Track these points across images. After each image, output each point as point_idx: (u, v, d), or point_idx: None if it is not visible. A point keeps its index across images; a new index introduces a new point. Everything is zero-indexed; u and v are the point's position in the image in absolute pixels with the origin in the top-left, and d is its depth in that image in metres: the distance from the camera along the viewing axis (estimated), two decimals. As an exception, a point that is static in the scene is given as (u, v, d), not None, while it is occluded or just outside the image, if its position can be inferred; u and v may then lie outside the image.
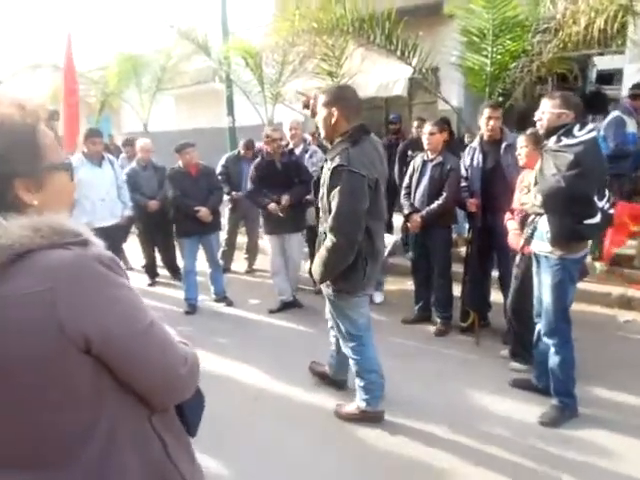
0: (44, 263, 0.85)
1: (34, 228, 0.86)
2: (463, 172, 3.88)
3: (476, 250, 3.82)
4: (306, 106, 5.78)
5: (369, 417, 2.84)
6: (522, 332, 3.23)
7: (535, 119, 2.71)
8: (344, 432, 2.80)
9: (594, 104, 6.56)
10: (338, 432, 2.81)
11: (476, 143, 3.84)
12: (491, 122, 3.66)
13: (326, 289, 2.68)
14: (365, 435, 2.76)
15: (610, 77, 8.77)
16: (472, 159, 3.78)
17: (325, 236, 2.51)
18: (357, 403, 2.87)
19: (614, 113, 5.17)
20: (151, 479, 0.97)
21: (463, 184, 3.87)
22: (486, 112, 3.69)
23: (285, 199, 4.32)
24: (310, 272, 2.81)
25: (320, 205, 2.61)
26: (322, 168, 2.60)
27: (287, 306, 4.71)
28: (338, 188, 2.36)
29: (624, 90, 6.43)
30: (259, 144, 5.99)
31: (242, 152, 5.70)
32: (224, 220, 5.48)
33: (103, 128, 6.75)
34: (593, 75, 8.92)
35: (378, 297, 4.89)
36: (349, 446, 2.68)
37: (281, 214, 4.33)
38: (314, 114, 2.85)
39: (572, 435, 2.67)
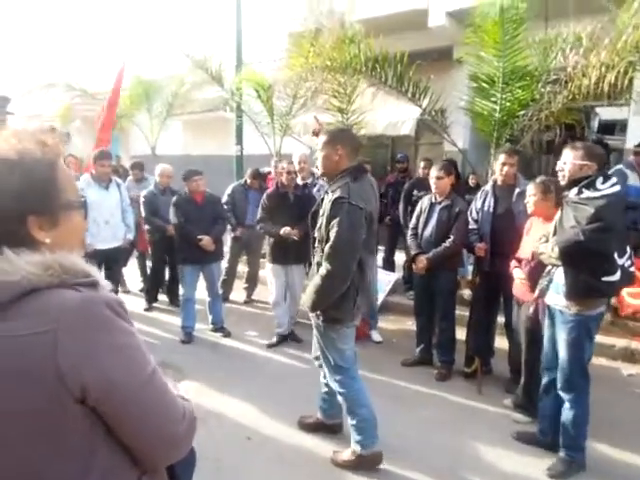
0: (50, 303, 0.81)
1: (45, 266, 0.83)
2: (474, 215, 3.86)
3: (482, 295, 3.77)
4: (316, 134, 5.84)
5: (366, 461, 2.74)
6: (531, 384, 3.15)
7: (557, 169, 2.70)
8: (342, 476, 2.69)
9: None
10: (332, 476, 2.69)
11: (489, 187, 3.84)
12: (505, 168, 3.67)
13: (316, 320, 2.67)
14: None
15: (612, 127, 8.94)
16: (484, 202, 3.78)
17: (319, 266, 2.56)
18: (352, 447, 2.78)
19: (617, 167, 5.23)
20: None
21: (473, 226, 3.85)
22: (501, 158, 3.71)
23: (297, 230, 4.30)
24: None
25: (317, 235, 2.66)
26: (322, 200, 2.67)
27: (284, 339, 4.65)
28: (338, 219, 2.44)
29: (628, 142, 6.54)
30: (265, 170, 6.07)
31: (249, 181, 5.70)
32: (226, 248, 5.44)
33: (112, 149, 6.81)
34: (595, 125, 9.10)
35: (377, 336, 4.82)
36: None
37: (296, 238, 4.29)
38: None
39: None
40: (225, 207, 5.25)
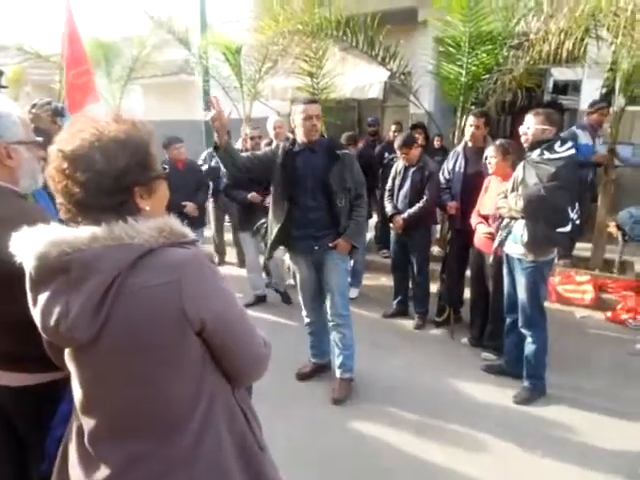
0: (169, 259, 1.01)
1: (159, 229, 1.01)
2: (446, 175, 4.14)
3: (454, 250, 4.11)
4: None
5: (352, 385, 3.26)
6: (499, 326, 3.54)
7: (520, 133, 3.01)
8: (335, 415, 3.02)
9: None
10: (327, 414, 3.03)
11: (460, 148, 4.11)
12: (472, 129, 3.94)
13: (345, 259, 3.18)
14: (353, 418, 3.00)
15: (566, 87, 9.35)
16: (455, 163, 4.05)
17: (348, 210, 3.08)
18: (346, 376, 3.22)
19: (570, 129, 5.61)
20: (236, 446, 1.14)
21: (444, 186, 4.14)
22: (469, 120, 3.97)
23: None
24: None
25: (342, 187, 3.03)
26: (334, 158, 3.01)
27: (260, 300, 4.92)
28: (356, 168, 3.10)
29: (582, 103, 6.95)
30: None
31: None
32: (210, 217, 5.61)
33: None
34: (550, 85, 9.50)
35: (353, 292, 5.13)
36: (340, 430, 2.90)
37: (263, 203, 4.38)
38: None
39: (542, 412, 3.04)
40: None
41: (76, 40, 5.64)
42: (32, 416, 1.42)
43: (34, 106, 2.95)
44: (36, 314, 1.02)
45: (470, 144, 4.00)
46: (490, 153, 3.48)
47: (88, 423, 1.07)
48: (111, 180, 1.00)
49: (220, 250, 6.22)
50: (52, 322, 0.98)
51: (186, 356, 1.05)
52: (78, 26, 5.42)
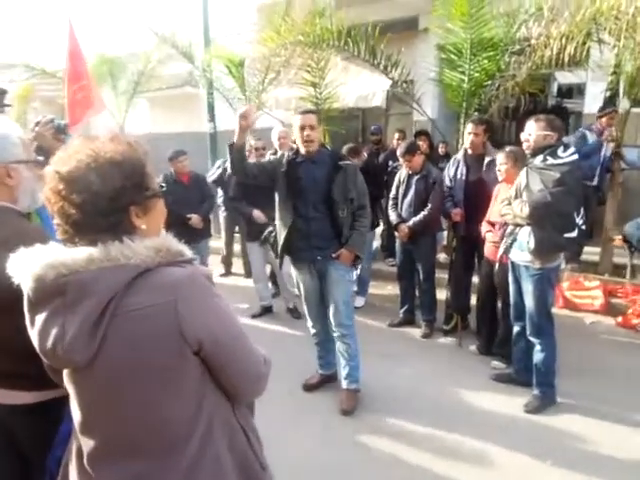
0: (165, 279, 1.00)
1: (156, 249, 1.01)
2: (447, 182, 4.13)
3: (460, 257, 4.08)
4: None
5: (359, 395, 3.22)
6: (507, 335, 3.50)
7: (522, 139, 2.99)
8: (343, 427, 2.99)
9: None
10: (334, 426, 3.00)
11: (460, 155, 4.10)
12: (471, 137, 3.93)
13: (348, 270, 3.12)
14: (360, 428, 2.96)
15: (570, 91, 9.33)
16: (456, 170, 4.04)
17: (350, 221, 3.06)
18: (352, 387, 3.19)
19: (579, 130, 5.60)
20: (237, 465, 1.13)
21: (447, 194, 4.12)
22: (468, 127, 3.96)
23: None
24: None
25: (338, 198, 3.01)
26: (332, 169, 3.01)
27: (267, 310, 4.92)
28: (360, 180, 3.09)
29: (586, 106, 6.91)
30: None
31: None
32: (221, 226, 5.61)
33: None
34: (554, 89, 9.47)
35: (359, 301, 5.11)
36: (349, 439, 2.87)
37: (265, 220, 4.41)
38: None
39: (552, 421, 2.98)
40: (214, 184, 5.34)
41: (77, 56, 5.73)
42: (35, 434, 1.42)
43: (37, 124, 2.99)
44: (34, 336, 1.02)
45: (470, 151, 3.99)
46: (500, 160, 3.44)
47: (87, 444, 1.07)
48: (107, 201, 1.00)
49: (227, 261, 6.24)
50: (49, 344, 0.98)
51: (184, 377, 1.04)
52: (80, 43, 5.51)
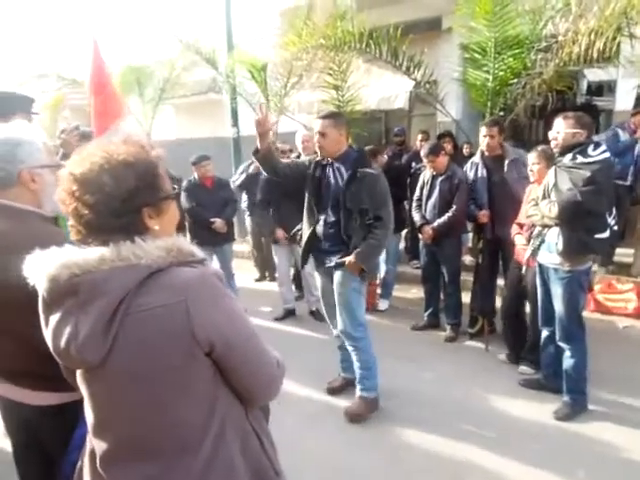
0: (177, 279, 1.00)
1: (167, 249, 1.01)
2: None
3: (485, 259, 3.99)
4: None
5: (374, 404, 3.12)
6: (537, 340, 3.38)
7: (550, 138, 2.90)
8: (368, 430, 2.95)
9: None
10: (358, 430, 2.96)
11: (477, 158, 4.02)
12: (486, 139, 3.85)
13: (354, 280, 2.97)
14: (384, 432, 2.92)
15: (600, 88, 9.05)
16: (476, 173, 3.96)
17: (362, 232, 2.90)
18: (362, 395, 3.10)
19: (611, 127, 5.45)
20: (250, 470, 1.12)
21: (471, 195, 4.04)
22: (482, 130, 3.88)
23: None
24: None
25: (352, 207, 2.90)
26: (352, 176, 2.88)
27: (290, 313, 4.91)
28: (377, 190, 2.90)
29: (617, 103, 6.70)
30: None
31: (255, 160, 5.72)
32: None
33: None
34: (584, 86, 9.22)
35: (383, 305, 5.06)
36: (374, 446, 2.83)
37: (285, 241, 4.57)
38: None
39: (583, 429, 2.88)
40: (240, 188, 5.38)
41: (101, 70, 5.93)
42: (58, 434, 1.44)
43: (63, 132, 3.06)
44: (48, 335, 1.03)
45: (487, 153, 3.92)
46: (533, 160, 3.33)
47: (100, 446, 1.07)
48: (120, 202, 1.01)
49: (260, 264, 6.20)
50: (63, 344, 0.99)
51: (196, 378, 1.03)
52: (103, 58, 5.69)
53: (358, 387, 3.13)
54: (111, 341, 0.97)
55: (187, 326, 0.98)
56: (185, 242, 1.06)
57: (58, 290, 0.99)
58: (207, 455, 1.04)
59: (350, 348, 3.09)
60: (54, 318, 1.01)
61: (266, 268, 6.22)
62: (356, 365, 3.11)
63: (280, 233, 4.56)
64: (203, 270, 1.05)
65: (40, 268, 1.01)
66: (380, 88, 7.45)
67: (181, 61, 9.01)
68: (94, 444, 1.09)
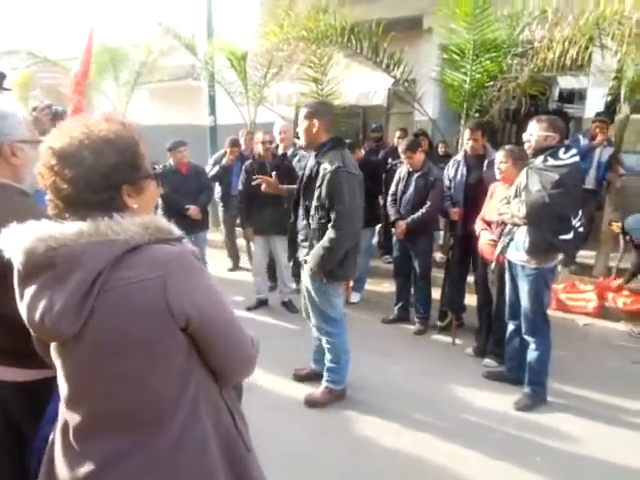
0: (154, 255, 1.02)
1: (144, 226, 1.02)
2: (447, 182, 4.15)
3: (456, 256, 4.10)
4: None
5: (338, 396, 3.17)
6: (502, 333, 3.50)
7: (524, 140, 3.01)
8: (335, 420, 3.01)
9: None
10: (329, 420, 3.01)
11: (460, 156, 4.12)
12: (470, 142, 3.95)
13: (314, 282, 2.93)
14: (349, 420, 2.99)
15: (572, 96, 9.36)
16: (456, 171, 4.06)
17: (318, 232, 2.80)
18: (327, 386, 3.15)
19: (575, 135, 5.64)
20: (222, 445, 1.14)
21: (446, 193, 4.15)
22: (466, 134, 3.98)
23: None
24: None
25: (315, 203, 2.81)
26: (314, 170, 2.83)
27: (262, 303, 4.93)
28: (339, 187, 2.67)
29: (586, 111, 6.95)
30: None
31: (228, 151, 5.66)
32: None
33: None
34: (556, 93, 9.51)
35: (355, 297, 5.13)
36: (340, 435, 2.89)
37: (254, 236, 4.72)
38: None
39: (542, 420, 3.01)
40: (213, 177, 5.35)
41: (89, 57, 5.90)
42: (31, 410, 1.43)
43: (34, 109, 2.99)
44: (22, 309, 1.03)
45: (469, 152, 4.02)
46: (500, 159, 3.44)
47: (73, 419, 1.08)
48: (99, 177, 1.01)
49: (233, 255, 6.21)
50: (37, 317, 0.99)
51: (171, 352, 1.05)
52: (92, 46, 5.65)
53: (325, 376, 3.17)
54: (87, 314, 0.97)
55: (164, 300, 1.00)
56: (163, 220, 1.08)
57: (34, 263, 0.99)
58: (180, 429, 1.06)
59: (323, 340, 3.13)
60: (29, 291, 1.01)
61: (238, 258, 6.23)
62: (327, 357, 3.15)
63: (249, 232, 4.67)
64: (181, 247, 1.06)
65: (16, 241, 1.00)
66: (359, 84, 7.50)
67: (159, 45, 8.84)
68: (67, 417, 1.09)
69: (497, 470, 2.57)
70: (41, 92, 12.56)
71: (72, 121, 1.07)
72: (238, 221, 5.86)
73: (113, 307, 0.99)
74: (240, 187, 4.67)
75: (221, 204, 5.85)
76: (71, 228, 0.99)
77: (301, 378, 3.45)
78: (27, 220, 1.06)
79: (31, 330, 1.05)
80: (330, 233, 2.74)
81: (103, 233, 0.98)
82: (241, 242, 6.01)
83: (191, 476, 1.08)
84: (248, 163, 4.70)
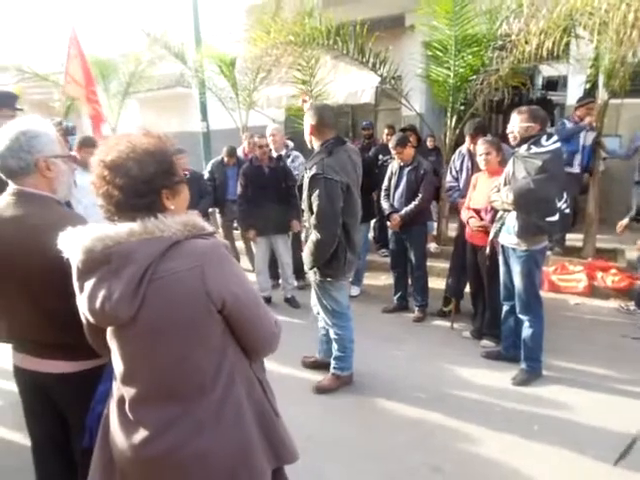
0: (193, 248, 1.20)
1: (184, 224, 1.20)
2: (454, 173, 4.37)
3: (460, 245, 4.24)
4: (304, 101, 6.18)
5: (344, 382, 3.35)
6: (496, 315, 3.69)
7: (507, 132, 3.19)
8: (342, 403, 3.18)
9: (541, 110, 7.27)
10: (337, 404, 3.18)
11: (465, 149, 4.29)
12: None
13: (314, 276, 3.13)
14: (356, 403, 3.18)
15: (555, 83, 9.58)
16: (462, 164, 4.27)
17: (309, 231, 3.00)
18: (334, 372, 3.33)
19: (561, 120, 5.83)
20: (255, 411, 1.33)
21: (453, 184, 4.39)
22: (480, 149, 3.73)
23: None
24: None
25: (303, 206, 3.07)
26: (304, 175, 3.04)
27: (266, 301, 5.04)
28: (317, 192, 2.82)
29: (568, 97, 7.16)
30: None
31: (226, 159, 5.83)
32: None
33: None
34: (540, 82, 9.73)
35: (355, 291, 5.29)
36: (348, 416, 3.06)
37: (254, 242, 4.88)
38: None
39: (538, 392, 3.21)
40: (208, 183, 5.50)
41: (85, 60, 6.05)
42: (74, 398, 1.59)
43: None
44: (83, 300, 1.20)
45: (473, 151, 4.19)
46: (484, 150, 3.61)
47: (129, 392, 1.25)
48: (143, 184, 1.20)
49: (234, 257, 6.34)
50: (98, 305, 1.16)
51: (210, 331, 1.23)
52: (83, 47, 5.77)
53: (332, 363, 3.35)
54: (140, 300, 1.15)
55: (203, 286, 1.18)
56: (198, 218, 1.25)
57: (93, 260, 1.16)
58: (220, 396, 1.24)
59: (330, 332, 3.30)
60: (89, 284, 1.18)
61: (238, 259, 6.35)
62: (334, 346, 3.32)
63: (251, 234, 4.85)
64: (214, 241, 1.24)
65: (76, 242, 1.18)
66: (347, 83, 7.67)
67: (148, 54, 8.96)
68: (123, 392, 1.26)
69: (499, 439, 2.75)
70: (29, 107, 12.68)
71: (116, 137, 1.25)
72: (235, 224, 6.08)
73: (161, 294, 1.16)
74: (239, 190, 4.82)
75: (217, 210, 6.00)
76: (123, 228, 1.16)
77: (308, 365, 3.63)
78: (75, 225, 1.23)
79: (91, 317, 1.21)
80: (312, 235, 2.94)
81: (151, 231, 1.16)
82: (239, 244, 6.16)
83: (231, 436, 1.25)
84: (245, 167, 4.85)
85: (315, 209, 2.84)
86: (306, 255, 3.05)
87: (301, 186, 3.06)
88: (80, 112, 11.37)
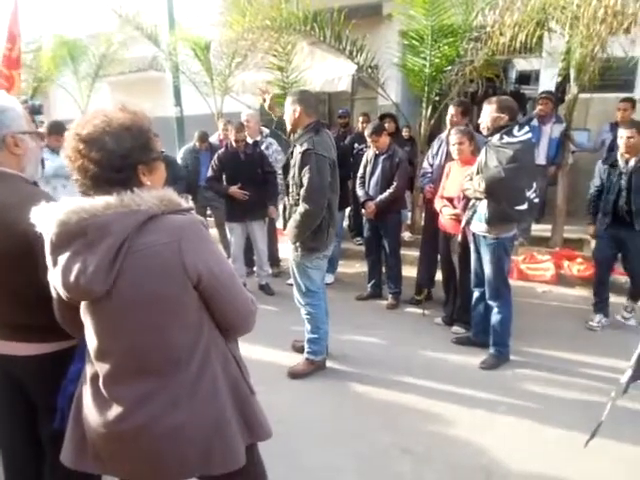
0: (170, 223, 1.19)
1: (160, 198, 1.19)
2: (430, 160, 4.35)
3: (430, 234, 4.31)
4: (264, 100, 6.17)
5: (318, 366, 3.40)
6: (467, 301, 3.77)
7: (479, 122, 3.24)
8: (316, 388, 3.22)
9: (514, 103, 7.39)
10: (311, 388, 3.22)
11: (444, 135, 4.29)
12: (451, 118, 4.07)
13: (295, 252, 3.17)
14: (333, 390, 3.21)
15: (528, 77, 9.75)
16: (438, 149, 4.26)
17: (295, 207, 3.07)
18: (308, 357, 3.37)
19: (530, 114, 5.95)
20: (230, 387, 1.34)
21: (428, 170, 4.36)
22: (449, 109, 4.11)
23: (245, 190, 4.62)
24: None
25: (291, 182, 3.13)
26: (292, 152, 3.11)
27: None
28: (308, 167, 2.93)
29: (539, 91, 7.30)
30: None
31: (198, 145, 5.75)
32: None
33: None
34: (513, 75, 9.87)
35: (329, 278, 5.32)
36: (321, 400, 3.10)
37: (243, 198, 4.62)
38: (270, 108, 3.49)
39: (505, 376, 3.32)
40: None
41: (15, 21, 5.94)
42: (42, 381, 1.55)
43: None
44: (56, 274, 1.18)
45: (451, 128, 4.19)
46: (457, 140, 3.66)
47: (102, 368, 1.24)
48: (120, 158, 1.18)
49: None
50: (72, 278, 1.14)
51: (186, 306, 1.23)
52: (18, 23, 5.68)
53: (306, 347, 3.39)
54: (115, 274, 1.14)
55: (179, 260, 1.17)
56: (174, 194, 1.24)
57: (67, 232, 1.14)
58: (196, 371, 1.25)
59: (302, 311, 3.33)
60: (63, 258, 1.16)
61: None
62: (306, 327, 3.36)
63: (233, 188, 4.63)
64: (191, 217, 1.24)
65: (49, 215, 1.15)
66: (324, 71, 7.62)
67: (119, 36, 8.71)
68: (97, 367, 1.25)
69: (468, 421, 2.84)
70: (-6, 87, 12.19)
71: (92, 112, 1.23)
72: (209, 211, 6.01)
73: (138, 267, 1.15)
74: (210, 173, 4.74)
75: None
76: (99, 201, 1.15)
77: (298, 349, 3.62)
78: (39, 202, 1.20)
79: (65, 291, 1.19)
80: (300, 207, 3.01)
81: (127, 204, 1.14)
82: (213, 232, 6.08)
83: (207, 410, 1.26)
84: (221, 152, 4.79)
85: (305, 182, 2.94)
86: (290, 228, 3.11)
87: (287, 165, 3.16)
88: (48, 93, 11.03)
